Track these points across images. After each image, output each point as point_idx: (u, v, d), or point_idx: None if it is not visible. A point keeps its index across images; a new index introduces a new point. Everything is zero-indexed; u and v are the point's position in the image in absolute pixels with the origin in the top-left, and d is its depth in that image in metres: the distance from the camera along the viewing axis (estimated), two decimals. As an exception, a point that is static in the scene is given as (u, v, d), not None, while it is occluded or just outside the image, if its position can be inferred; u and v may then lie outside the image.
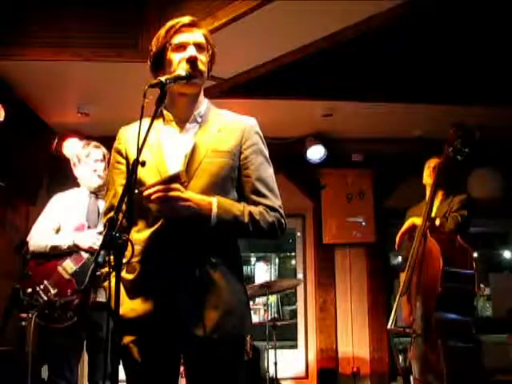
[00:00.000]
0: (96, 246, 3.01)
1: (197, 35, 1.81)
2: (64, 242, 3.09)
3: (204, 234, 1.68)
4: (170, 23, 1.82)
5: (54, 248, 3.09)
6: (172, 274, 1.66)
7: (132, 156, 1.73)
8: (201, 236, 1.68)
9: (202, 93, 1.89)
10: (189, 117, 1.83)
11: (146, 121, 1.64)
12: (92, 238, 3.05)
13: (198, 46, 1.80)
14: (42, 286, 3.02)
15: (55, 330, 2.96)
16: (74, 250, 3.08)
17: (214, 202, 1.67)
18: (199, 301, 1.66)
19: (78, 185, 3.37)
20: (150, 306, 1.67)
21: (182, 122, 1.83)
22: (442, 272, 3.18)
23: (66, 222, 3.20)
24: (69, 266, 3.10)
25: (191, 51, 1.77)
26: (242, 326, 1.74)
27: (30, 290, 2.99)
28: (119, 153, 1.84)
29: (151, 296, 1.67)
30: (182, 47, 1.79)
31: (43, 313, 2.94)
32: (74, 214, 3.22)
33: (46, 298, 2.98)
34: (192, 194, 1.65)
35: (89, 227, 3.16)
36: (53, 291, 3.02)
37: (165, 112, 1.85)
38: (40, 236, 3.16)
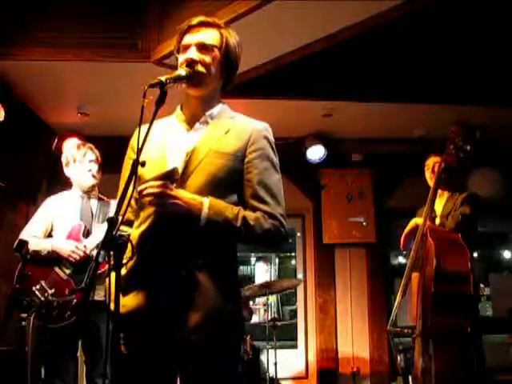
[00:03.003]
0: (75, 255, 3.04)
1: (202, 35, 1.79)
2: (43, 247, 3.12)
3: (193, 234, 1.66)
4: (182, 24, 1.83)
5: (36, 252, 3.11)
6: (158, 272, 1.66)
7: (142, 153, 1.73)
8: (189, 236, 1.67)
9: (216, 95, 1.87)
10: (200, 117, 1.83)
11: (164, 119, 1.68)
12: (71, 247, 3.07)
13: (202, 47, 1.78)
14: (38, 286, 3.04)
15: (51, 330, 2.97)
16: (53, 256, 3.10)
17: (206, 203, 1.65)
18: (183, 301, 1.65)
19: (70, 186, 3.40)
20: (137, 303, 1.67)
21: (193, 122, 1.83)
22: (435, 272, 3.18)
23: (59, 224, 3.23)
24: (66, 266, 3.11)
25: (190, 53, 1.76)
26: (225, 328, 1.69)
27: (24, 290, 3.00)
28: (133, 149, 1.85)
29: (139, 293, 1.67)
30: (186, 49, 1.79)
31: (40, 313, 2.94)
32: (67, 215, 3.24)
33: (42, 298, 2.99)
34: (182, 193, 1.64)
35: (85, 227, 3.18)
36: (50, 291, 3.03)
37: (179, 111, 1.86)
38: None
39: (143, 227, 1.72)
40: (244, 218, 1.69)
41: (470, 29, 3.83)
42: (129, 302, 1.68)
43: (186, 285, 1.65)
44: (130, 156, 1.85)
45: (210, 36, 1.80)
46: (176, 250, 1.66)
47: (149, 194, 1.61)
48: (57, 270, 3.10)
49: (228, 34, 1.84)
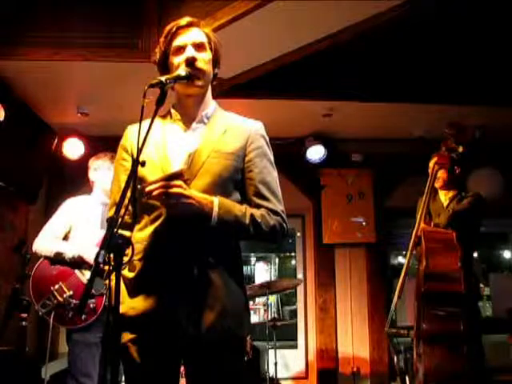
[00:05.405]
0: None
1: (195, 35, 1.80)
2: (69, 251, 3.12)
3: (204, 233, 1.68)
4: (167, 27, 1.82)
5: (59, 254, 3.12)
6: (170, 272, 1.66)
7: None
8: (200, 235, 1.68)
9: (210, 93, 1.88)
10: (196, 117, 1.83)
11: (157, 119, 1.65)
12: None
13: (197, 46, 1.79)
14: (56, 287, 3.06)
15: (78, 329, 2.99)
16: (77, 261, 3.11)
17: (216, 202, 1.67)
18: (196, 300, 1.66)
19: (84, 190, 3.41)
20: (149, 305, 1.67)
21: (189, 122, 1.83)
22: (424, 272, 3.18)
23: (79, 228, 3.25)
24: (87, 269, 3.12)
25: (189, 52, 1.77)
26: (238, 327, 1.73)
27: (43, 289, 3.04)
28: (125, 149, 1.84)
29: (150, 294, 1.67)
30: (180, 49, 1.78)
31: (56, 313, 2.98)
32: (87, 221, 3.26)
33: (60, 299, 3.02)
34: (194, 192, 1.65)
35: None
36: (68, 293, 3.05)
37: (173, 111, 1.86)
38: (47, 239, 3.20)
39: (151, 229, 1.71)
40: (251, 214, 1.72)
41: (469, 29, 3.83)
42: (139, 304, 1.68)
43: (198, 283, 1.66)
44: (123, 157, 1.84)
45: (201, 35, 1.82)
46: (187, 250, 1.67)
47: (161, 194, 1.58)
48: (77, 272, 3.13)
49: (210, 32, 1.86)
